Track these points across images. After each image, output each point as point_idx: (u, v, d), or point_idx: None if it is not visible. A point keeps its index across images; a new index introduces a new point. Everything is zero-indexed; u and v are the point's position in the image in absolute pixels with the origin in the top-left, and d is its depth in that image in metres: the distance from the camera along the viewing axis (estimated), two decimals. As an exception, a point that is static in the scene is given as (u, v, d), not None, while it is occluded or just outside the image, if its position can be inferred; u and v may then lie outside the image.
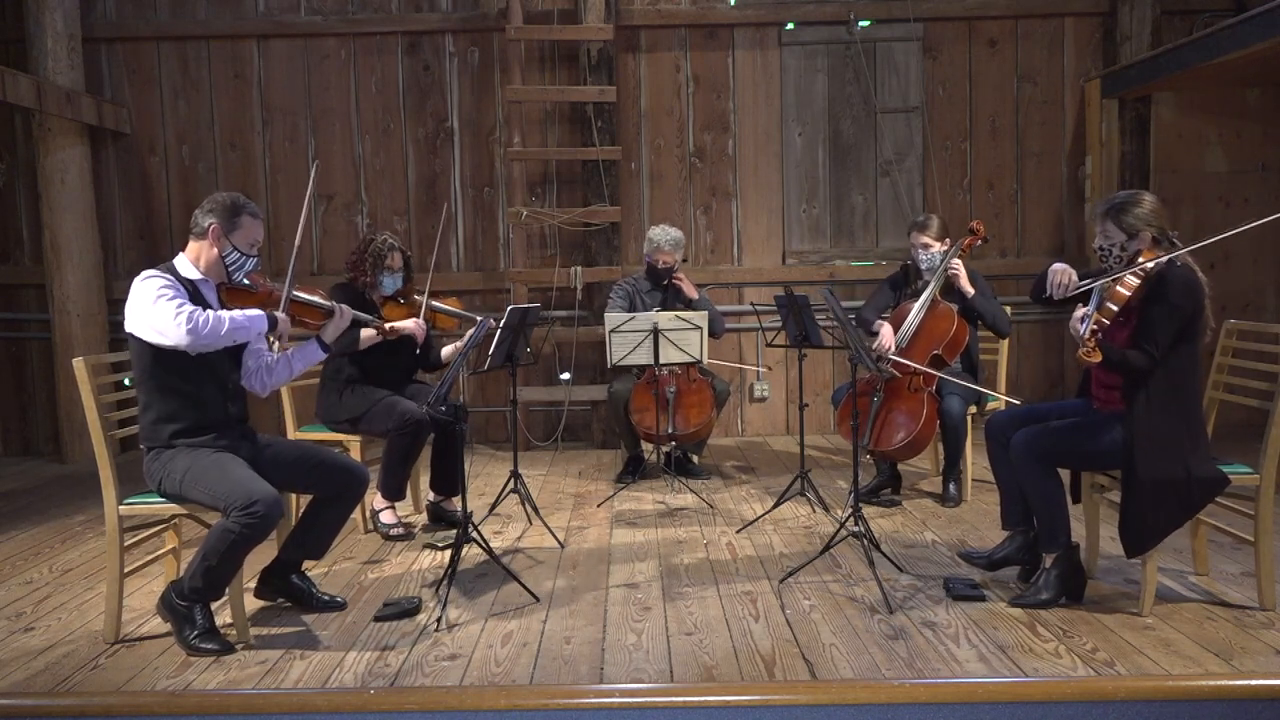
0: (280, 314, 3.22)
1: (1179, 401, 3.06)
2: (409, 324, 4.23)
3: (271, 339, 3.29)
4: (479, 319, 4.40)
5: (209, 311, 3.03)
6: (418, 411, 4.11)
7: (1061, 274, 3.17)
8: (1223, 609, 3.21)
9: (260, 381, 3.36)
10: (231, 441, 3.17)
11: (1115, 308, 3.04)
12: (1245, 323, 3.44)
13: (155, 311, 2.97)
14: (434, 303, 4.45)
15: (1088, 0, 6.57)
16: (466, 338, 4.42)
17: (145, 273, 3.09)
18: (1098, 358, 2.98)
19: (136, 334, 3.04)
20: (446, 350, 4.56)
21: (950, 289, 4.56)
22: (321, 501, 3.34)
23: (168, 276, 3.07)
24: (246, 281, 3.25)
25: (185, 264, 3.17)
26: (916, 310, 4.50)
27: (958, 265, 4.51)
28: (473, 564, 3.83)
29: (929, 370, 4.37)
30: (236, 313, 3.10)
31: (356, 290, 4.32)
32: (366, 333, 4.13)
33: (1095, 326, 3.00)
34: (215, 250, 3.15)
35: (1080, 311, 3.10)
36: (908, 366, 4.37)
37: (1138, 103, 6.38)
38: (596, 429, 6.58)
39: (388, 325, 4.04)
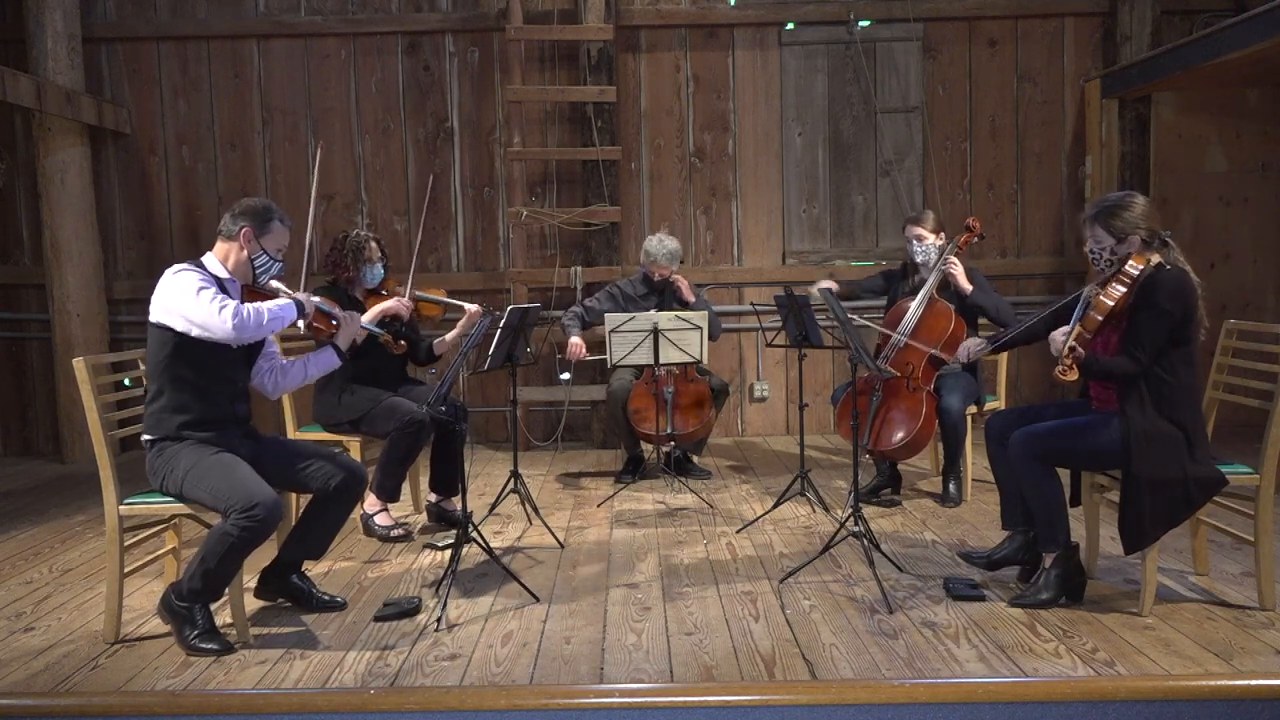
0: (306, 298, 3.30)
1: (1175, 401, 3.06)
2: (390, 303, 4.22)
3: (300, 324, 3.34)
4: (468, 307, 4.41)
5: (247, 305, 3.09)
6: (420, 412, 4.11)
7: (970, 341, 3.77)
8: (1223, 609, 3.21)
9: (273, 382, 3.41)
10: (235, 440, 3.18)
11: (1100, 318, 3.04)
12: (1245, 323, 3.44)
13: (198, 305, 3.02)
14: (418, 292, 4.43)
15: (1088, 0, 6.57)
16: (462, 330, 4.47)
17: (177, 266, 3.13)
18: (1074, 376, 2.98)
19: (166, 323, 3.07)
20: (438, 343, 4.55)
21: (948, 287, 4.55)
22: (321, 501, 3.34)
23: (203, 271, 3.13)
24: (274, 284, 3.31)
25: (214, 262, 3.22)
26: (914, 308, 4.49)
27: (954, 264, 4.49)
28: (473, 564, 3.83)
29: (923, 346, 4.36)
30: (271, 304, 3.17)
31: (339, 289, 4.32)
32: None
33: (1075, 343, 3.00)
34: (245, 253, 3.21)
35: (1063, 330, 3.12)
36: (906, 356, 4.37)
37: (1138, 103, 6.38)
38: (596, 429, 6.58)
39: (375, 309, 4.14)
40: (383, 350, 4.31)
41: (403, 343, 4.17)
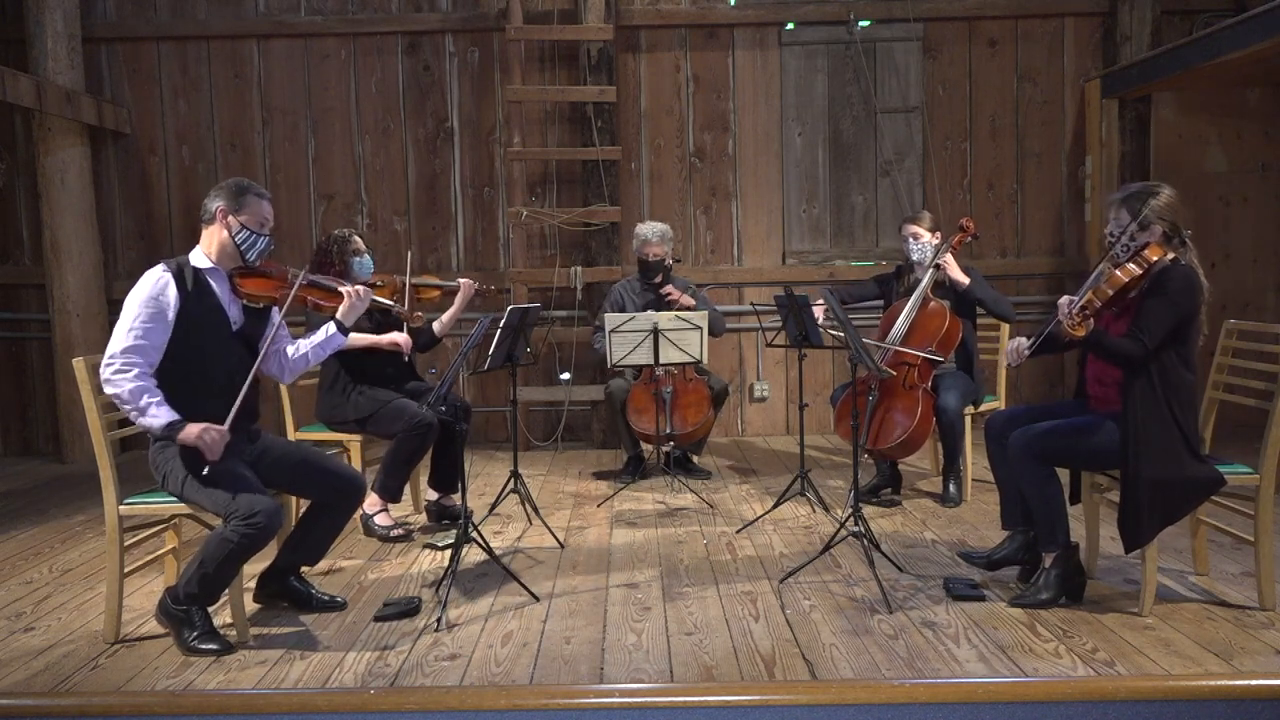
0: (195, 436, 2.99)
1: (1173, 402, 3.06)
2: (391, 336, 4.24)
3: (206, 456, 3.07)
4: (462, 281, 4.52)
5: (141, 383, 2.96)
6: (428, 414, 4.11)
7: (1014, 345, 3.26)
8: (1223, 609, 3.21)
9: (278, 366, 3.38)
10: (237, 442, 3.15)
11: (1111, 291, 3.04)
12: (1245, 323, 3.44)
13: (116, 330, 3.02)
14: (414, 280, 4.44)
15: (1088, 0, 6.57)
16: (459, 306, 4.52)
17: (154, 270, 3.10)
18: (1082, 332, 2.97)
19: None
20: (437, 325, 4.55)
21: (943, 285, 4.54)
22: (319, 507, 3.34)
23: (161, 297, 3.04)
24: (270, 264, 3.25)
25: (198, 254, 3.19)
26: (908, 309, 4.50)
27: (948, 261, 4.49)
28: (473, 564, 3.83)
29: (914, 351, 4.36)
30: (156, 408, 2.97)
31: None
32: (359, 338, 4.15)
33: (1085, 304, 3.01)
34: (225, 233, 3.16)
35: (1069, 297, 3.12)
36: (901, 356, 4.38)
37: (1138, 103, 6.38)
38: (596, 429, 6.58)
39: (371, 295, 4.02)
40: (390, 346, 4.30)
41: (419, 314, 4.14)
